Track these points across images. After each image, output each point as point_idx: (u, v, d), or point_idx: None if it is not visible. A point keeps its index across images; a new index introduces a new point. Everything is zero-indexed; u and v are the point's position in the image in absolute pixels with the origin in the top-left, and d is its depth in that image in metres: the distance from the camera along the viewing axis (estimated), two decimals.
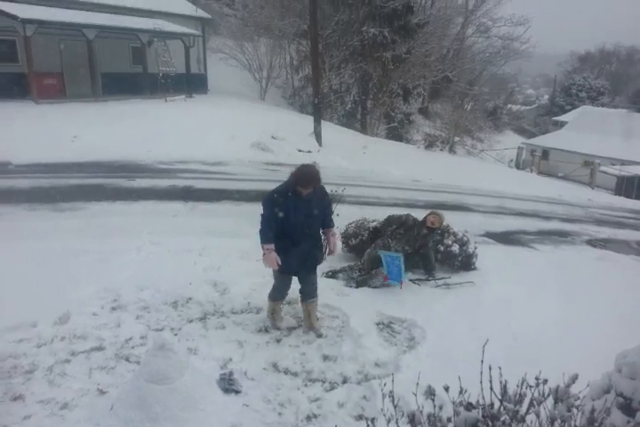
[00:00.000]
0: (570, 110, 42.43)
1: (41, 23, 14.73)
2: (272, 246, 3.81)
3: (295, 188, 3.81)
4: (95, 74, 17.12)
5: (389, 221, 5.42)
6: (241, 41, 23.67)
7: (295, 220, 3.86)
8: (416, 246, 5.26)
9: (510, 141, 34.96)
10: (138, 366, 3.32)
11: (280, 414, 3.16)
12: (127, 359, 3.63)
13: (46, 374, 3.40)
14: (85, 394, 3.21)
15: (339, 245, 4.01)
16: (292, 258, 3.93)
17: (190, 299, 4.63)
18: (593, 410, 1.99)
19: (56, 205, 7.54)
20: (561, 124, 38.18)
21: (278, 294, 4.20)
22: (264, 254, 3.82)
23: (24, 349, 3.66)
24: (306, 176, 3.80)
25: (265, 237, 3.83)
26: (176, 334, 4.01)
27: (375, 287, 5.12)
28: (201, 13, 22.02)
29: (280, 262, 3.82)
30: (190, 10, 21.79)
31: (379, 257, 5.09)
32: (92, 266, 5.10)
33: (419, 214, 5.49)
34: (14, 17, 14.03)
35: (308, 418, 3.14)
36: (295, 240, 3.94)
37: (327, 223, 4.16)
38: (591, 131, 29.14)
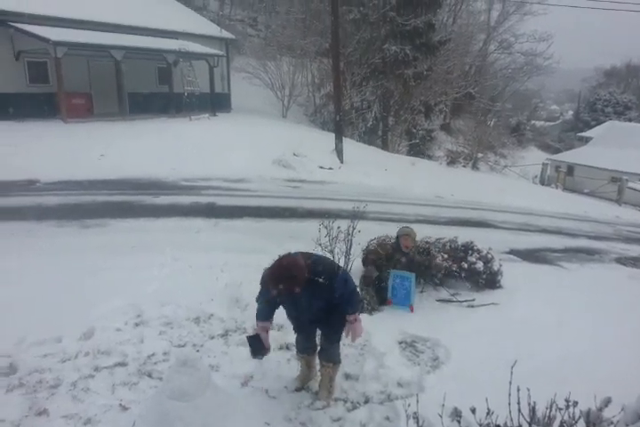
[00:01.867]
0: (595, 126, 41.78)
1: (71, 45, 15.27)
2: (265, 324, 3.29)
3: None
4: (122, 93, 17.61)
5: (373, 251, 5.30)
6: (264, 60, 24.14)
7: (288, 313, 3.44)
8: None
9: (534, 157, 34.55)
10: (160, 382, 3.33)
11: None
12: (150, 375, 3.64)
13: (70, 389, 3.43)
14: (108, 410, 3.22)
15: (360, 329, 3.38)
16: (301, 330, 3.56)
17: (212, 315, 4.64)
18: None
19: (83, 222, 7.69)
20: (586, 140, 37.60)
21: (296, 344, 3.72)
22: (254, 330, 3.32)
23: (49, 363, 3.70)
24: (270, 276, 3.09)
25: (257, 312, 3.32)
26: (198, 351, 4.01)
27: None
28: (225, 34, 22.56)
29: (268, 349, 3.33)
30: (214, 31, 22.35)
31: (372, 277, 5.01)
32: (115, 282, 5.16)
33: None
34: (46, 40, 14.58)
35: None
36: (298, 327, 3.55)
37: (344, 309, 3.31)
38: (618, 146, 28.59)
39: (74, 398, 3.33)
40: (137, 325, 4.38)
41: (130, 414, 3.13)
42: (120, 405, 3.27)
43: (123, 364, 3.77)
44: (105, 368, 3.69)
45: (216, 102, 20.33)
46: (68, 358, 3.79)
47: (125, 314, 4.52)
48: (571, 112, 62.50)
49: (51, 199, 8.93)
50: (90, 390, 3.43)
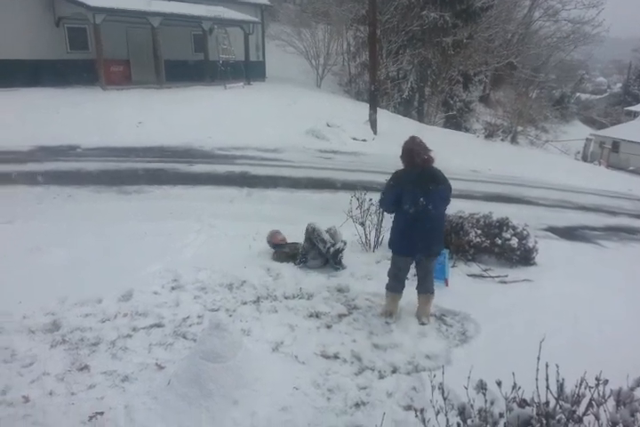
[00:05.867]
0: None
1: (110, 11, 15.32)
2: None
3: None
4: (159, 61, 17.66)
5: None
6: (299, 27, 23.69)
7: (408, 202, 3.84)
8: None
9: (578, 132, 33.18)
10: (194, 343, 3.45)
11: (329, 399, 3.20)
12: (184, 337, 3.78)
13: (109, 347, 3.60)
14: (145, 368, 3.37)
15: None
16: (411, 235, 3.96)
17: (245, 282, 4.75)
18: None
19: (121, 188, 7.90)
20: (634, 115, 35.82)
21: (393, 281, 4.17)
22: None
23: (90, 323, 3.88)
24: (417, 146, 3.90)
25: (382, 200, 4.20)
26: (231, 315, 4.12)
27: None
28: (260, 0, 22.16)
29: None
30: None
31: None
32: (153, 247, 5.33)
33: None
34: (85, 5, 14.66)
35: (357, 405, 3.15)
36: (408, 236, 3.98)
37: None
38: None
39: (113, 356, 3.50)
40: (173, 289, 4.53)
41: (165, 373, 3.27)
42: (156, 364, 3.41)
43: (159, 325, 3.92)
44: (142, 329, 3.85)
45: (250, 71, 20.20)
46: (107, 318, 3.97)
47: (162, 278, 4.67)
48: (619, 85, 59.35)
49: (90, 165, 9.16)
50: (128, 349, 3.59)
